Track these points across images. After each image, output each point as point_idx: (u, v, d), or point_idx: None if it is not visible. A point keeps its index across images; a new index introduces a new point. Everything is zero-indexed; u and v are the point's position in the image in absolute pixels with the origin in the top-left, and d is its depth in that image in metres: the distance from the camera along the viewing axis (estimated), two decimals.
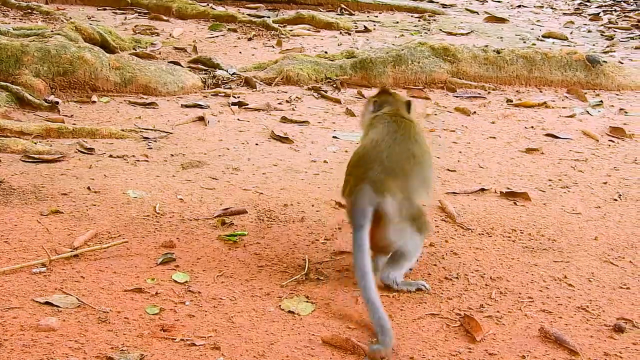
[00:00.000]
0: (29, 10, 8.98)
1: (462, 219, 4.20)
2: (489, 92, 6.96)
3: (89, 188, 4.34)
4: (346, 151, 5.24)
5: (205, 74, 6.91)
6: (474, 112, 6.36)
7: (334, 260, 3.65)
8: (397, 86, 6.94)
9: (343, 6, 10.33)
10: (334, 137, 5.56)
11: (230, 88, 6.65)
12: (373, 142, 3.42)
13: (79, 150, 4.94)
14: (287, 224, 4.02)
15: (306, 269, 3.51)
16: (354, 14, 10.14)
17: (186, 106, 6.07)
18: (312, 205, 4.28)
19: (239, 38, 8.55)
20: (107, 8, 9.74)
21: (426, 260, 3.68)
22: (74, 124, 5.39)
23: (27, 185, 4.32)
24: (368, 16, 10.14)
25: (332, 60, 7.15)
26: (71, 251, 3.54)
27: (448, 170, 4.98)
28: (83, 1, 9.92)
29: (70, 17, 8.87)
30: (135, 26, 8.80)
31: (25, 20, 8.66)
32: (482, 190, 4.64)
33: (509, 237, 4.01)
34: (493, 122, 6.13)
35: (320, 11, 10.14)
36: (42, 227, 3.82)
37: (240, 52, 7.89)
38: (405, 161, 3.37)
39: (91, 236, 3.73)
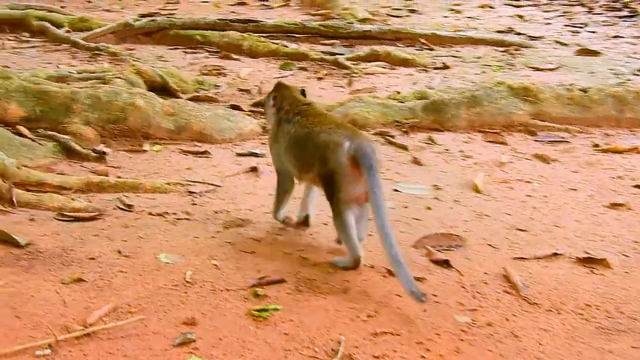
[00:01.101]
0: (97, 52, 8.89)
1: (529, 291, 3.75)
2: (573, 136, 6.46)
3: (119, 251, 4.07)
4: (405, 207, 4.85)
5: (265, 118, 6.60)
6: (555, 160, 5.87)
7: (374, 344, 3.25)
8: (471, 129, 6.52)
9: (422, 41, 9.93)
10: (395, 189, 5.16)
11: None
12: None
13: (117, 207, 4.69)
14: (328, 296, 3.65)
15: (339, 356, 3.12)
16: (433, 49, 9.73)
17: (241, 155, 5.78)
18: (359, 273, 3.90)
19: (308, 77, 8.26)
20: (178, 47, 9.57)
21: (480, 342, 3.25)
22: (119, 177, 5.15)
23: (55, 248, 4.08)
24: (448, 51, 9.72)
25: (402, 102, 6.77)
26: (82, 329, 3.25)
27: (518, 229, 4.54)
28: (154, 40, 9.77)
29: (138, 58, 8.73)
30: (203, 66, 8.60)
31: (93, 61, 8.57)
32: (555, 254, 4.18)
33: (582, 314, 3.55)
34: (575, 171, 5.64)
35: (398, 46, 9.77)
36: (59, 298, 3.56)
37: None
38: None
39: (108, 310, 3.44)
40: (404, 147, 6.05)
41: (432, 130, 6.50)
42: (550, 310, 3.57)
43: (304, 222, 4.48)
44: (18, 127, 5.61)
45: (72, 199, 4.68)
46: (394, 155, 5.88)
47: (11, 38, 9.66)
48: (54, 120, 5.74)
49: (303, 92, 4.48)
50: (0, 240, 4.13)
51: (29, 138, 5.48)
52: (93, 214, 4.55)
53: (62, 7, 12.05)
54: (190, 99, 6.97)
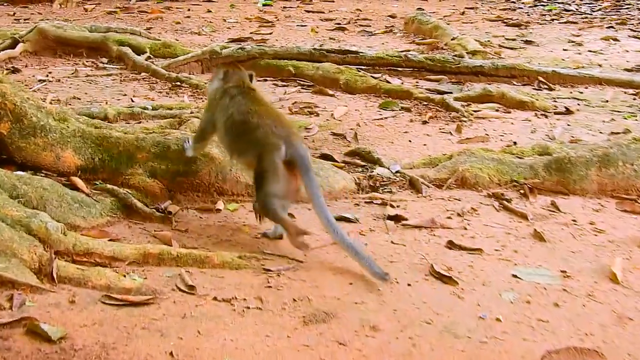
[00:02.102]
0: (178, 83, 8.33)
1: None
2: None
3: (171, 354, 3.40)
4: (527, 302, 4.04)
5: (362, 171, 5.91)
6: None
7: None
8: (603, 194, 5.65)
9: (541, 79, 9.04)
10: (513, 275, 4.36)
11: (390, 191, 5.59)
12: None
13: (177, 287, 4.02)
14: None
15: None
16: (553, 89, 8.83)
17: None
18: None
19: (411, 120, 7.50)
20: (268, 79, 8.97)
21: None
22: (183, 245, 4.49)
23: (93, 345, 3.43)
24: (571, 92, 8.81)
25: (520, 158, 5.95)
26: None
27: None
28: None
29: None
30: (293, 103, 7.95)
31: (172, 94, 8.01)
32: None
33: None
34: None
35: (514, 84, 8.93)
36: None
37: (409, 141, 6.82)
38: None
39: None
40: (524, 216, 5.22)
41: (555, 193, 5.66)
42: None
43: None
44: (72, 178, 5.03)
45: (124, 275, 4.03)
46: (510, 226, 5.07)
47: (88, 64, 9.24)
48: (114, 171, 5.14)
49: (251, 78, 4.84)
50: (28, 331, 3.50)
51: (84, 192, 4.87)
52: (146, 297, 3.89)
53: (147, 29, 11.68)
54: None
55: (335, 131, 7.01)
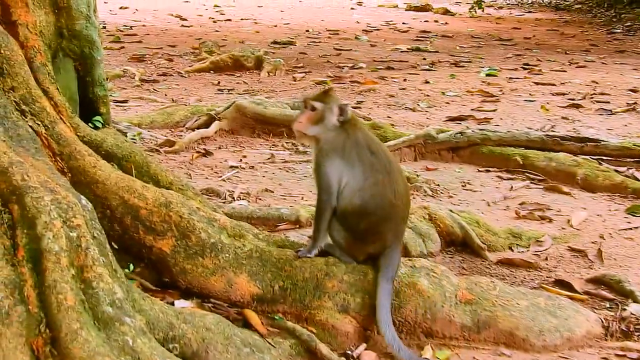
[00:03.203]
0: None
1: None
2: None
3: None
4: None
5: (610, 308, 4.82)
6: None
7: None
8: None
9: None
10: None
11: None
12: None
13: None
14: None
15: None
16: None
17: None
18: None
19: None
20: (491, 169, 7.99)
21: None
22: None
23: None
24: None
25: None
26: None
27: None
28: (462, 158, 8.24)
29: (437, 185, 7.24)
30: (521, 203, 6.92)
31: None
32: None
33: None
34: None
35: None
36: None
37: None
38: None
39: None
40: None
41: None
42: None
43: None
44: (246, 311, 4.24)
45: None
46: None
47: (287, 146, 8.62)
48: (297, 303, 4.30)
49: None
50: None
51: (258, 332, 4.06)
52: None
53: (358, 102, 11.11)
54: (500, 262, 5.54)
55: (574, 245, 5.94)
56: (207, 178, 7.26)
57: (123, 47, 15.71)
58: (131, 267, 4.37)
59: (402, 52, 16.63)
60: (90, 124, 4.89)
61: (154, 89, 11.88)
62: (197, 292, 4.34)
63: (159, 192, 4.40)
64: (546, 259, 5.67)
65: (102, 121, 5.07)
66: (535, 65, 15.18)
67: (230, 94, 11.66)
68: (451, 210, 5.91)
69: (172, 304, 4.16)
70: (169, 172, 4.93)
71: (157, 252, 4.34)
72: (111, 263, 3.70)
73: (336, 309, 4.30)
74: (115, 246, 4.28)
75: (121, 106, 10.35)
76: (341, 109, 4.36)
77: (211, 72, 13.51)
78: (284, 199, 6.73)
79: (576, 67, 15.25)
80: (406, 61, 15.35)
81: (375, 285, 4.25)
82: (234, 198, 6.50)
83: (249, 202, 6.48)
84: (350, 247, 4.39)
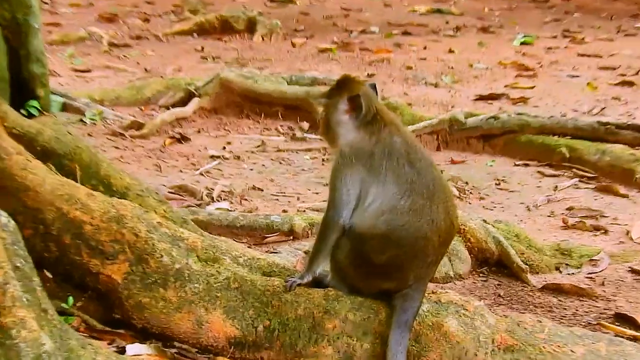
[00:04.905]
0: None
1: None
2: None
3: None
4: None
5: None
6: None
7: None
8: None
9: None
10: None
11: None
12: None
13: None
14: None
15: None
16: None
17: None
18: None
19: None
20: (530, 163, 7.81)
21: None
22: None
23: None
24: None
25: None
26: None
27: None
28: (494, 148, 8.04)
29: (465, 183, 6.90)
30: (568, 209, 6.69)
31: None
32: None
33: None
34: None
35: None
36: None
37: None
38: None
39: None
40: None
41: None
42: None
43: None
44: None
45: None
46: None
47: (283, 130, 8.48)
48: (287, 349, 3.95)
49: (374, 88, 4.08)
50: None
51: None
52: None
53: (369, 75, 10.94)
54: (545, 288, 5.23)
55: (636, 266, 5.65)
56: (181, 171, 7.03)
57: (91, 5, 15.57)
58: (70, 300, 4.03)
59: (421, 14, 16.46)
60: (23, 111, 4.54)
61: (124, 56, 11.70)
62: (157, 333, 4.03)
63: (109, 203, 4.05)
64: (602, 284, 5.38)
65: (38, 107, 4.75)
66: (578, 33, 15.03)
67: (216, 63, 11.50)
68: (484, 220, 5.59)
69: (124, 349, 3.83)
70: (124, 174, 4.59)
71: (106, 280, 4.00)
72: (39, 302, 3.35)
73: (337, 357, 3.95)
74: (49, 274, 3.96)
75: (82, 77, 10.15)
76: (352, 101, 3.86)
77: (195, 35, 13.44)
78: (276, 199, 6.50)
79: (625, 36, 15.12)
80: (426, 25, 15.19)
81: (388, 328, 3.84)
82: (212, 198, 6.27)
83: (231, 203, 6.25)
84: (358, 277, 3.96)
